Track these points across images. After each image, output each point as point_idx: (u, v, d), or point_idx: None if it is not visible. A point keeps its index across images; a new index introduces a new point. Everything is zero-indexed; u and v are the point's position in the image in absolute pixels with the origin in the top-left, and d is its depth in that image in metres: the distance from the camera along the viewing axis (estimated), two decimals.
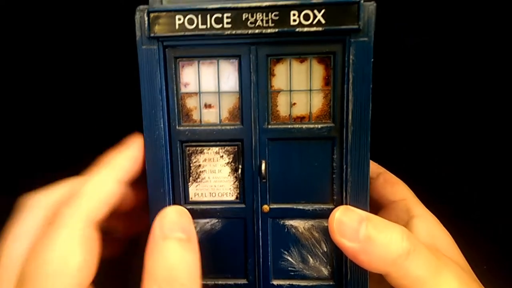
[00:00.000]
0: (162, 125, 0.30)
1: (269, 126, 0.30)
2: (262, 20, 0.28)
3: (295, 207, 0.31)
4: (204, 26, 0.28)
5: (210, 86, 0.30)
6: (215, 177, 0.31)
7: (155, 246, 0.26)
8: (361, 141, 0.29)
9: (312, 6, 0.27)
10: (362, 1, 0.27)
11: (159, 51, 0.29)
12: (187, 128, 0.30)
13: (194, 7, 0.28)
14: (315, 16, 0.28)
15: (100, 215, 0.28)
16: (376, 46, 0.28)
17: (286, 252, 0.31)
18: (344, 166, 0.29)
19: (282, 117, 0.30)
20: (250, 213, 0.31)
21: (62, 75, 0.44)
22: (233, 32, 0.28)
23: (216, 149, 0.31)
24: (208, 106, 0.31)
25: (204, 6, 0.28)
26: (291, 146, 0.30)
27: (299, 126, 0.30)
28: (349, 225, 0.27)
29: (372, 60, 0.28)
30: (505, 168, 0.42)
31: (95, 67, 0.43)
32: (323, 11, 0.27)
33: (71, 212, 0.27)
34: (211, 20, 0.28)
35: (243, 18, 0.28)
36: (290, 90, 0.30)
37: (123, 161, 0.30)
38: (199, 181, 0.31)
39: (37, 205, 0.29)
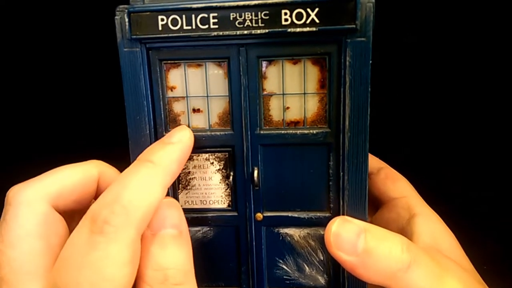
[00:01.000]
0: (148, 132, 0.28)
1: (261, 132, 0.28)
2: (251, 20, 0.26)
3: (290, 215, 0.29)
4: (189, 27, 0.26)
5: (198, 90, 0.28)
6: (205, 184, 0.30)
7: (144, 246, 0.24)
8: (359, 147, 0.27)
9: (305, 4, 0.25)
10: None
11: (142, 54, 0.27)
12: None
13: (177, 7, 0.26)
14: (308, 15, 0.25)
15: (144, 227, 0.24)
16: (375, 47, 0.26)
17: (281, 261, 0.30)
18: (341, 173, 0.28)
19: (275, 122, 0.28)
20: (243, 222, 0.30)
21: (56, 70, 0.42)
22: (221, 33, 0.26)
23: (206, 155, 0.29)
24: (196, 110, 0.29)
25: (189, 5, 0.26)
26: (285, 152, 0.29)
27: (293, 131, 0.28)
28: (347, 238, 0.25)
29: (371, 61, 0.26)
30: (508, 167, 0.40)
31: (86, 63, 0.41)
32: (317, 9, 0.25)
33: (121, 223, 0.22)
34: (196, 21, 0.26)
35: (231, 18, 0.26)
36: (283, 94, 0.28)
37: (170, 163, 0.26)
38: (189, 189, 0.30)
39: (34, 199, 0.25)
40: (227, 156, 0.29)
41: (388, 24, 0.28)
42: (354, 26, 0.25)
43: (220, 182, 0.30)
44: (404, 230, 0.32)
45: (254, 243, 0.30)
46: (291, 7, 0.25)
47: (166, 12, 0.26)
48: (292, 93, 0.28)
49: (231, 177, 0.29)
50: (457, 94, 0.41)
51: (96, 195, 0.28)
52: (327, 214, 0.29)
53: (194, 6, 0.26)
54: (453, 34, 0.39)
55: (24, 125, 0.44)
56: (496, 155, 0.40)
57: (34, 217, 0.25)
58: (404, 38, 0.38)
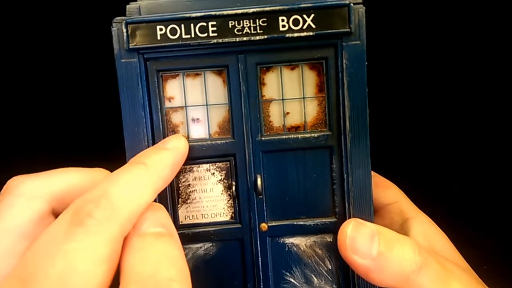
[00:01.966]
0: (146, 144, 0.27)
1: (263, 138, 0.28)
2: (249, 27, 0.26)
3: (295, 223, 0.29)
4: (188, 36, 0.27)
5: (196, 99, 0.28)
6: (206, 197, 0.29)
7: (130, 247, 0.21)
8: (361, 148, 0.27)
9: (301, 11, 0.26)
10: (351, 4, 0.26)
11: (140, 64, 0.27)
12: None
13: (176, 17, 0.26)
14: (304, 21, 0.26)
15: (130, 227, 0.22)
16: (369, 49, 0.27)
17: (288, 274, 0.29)
18: (345, 175, 0.28)
19: (276, 128, 0.28)
20: (247, 233, 0.29)
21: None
22: (220, 40, 0.27)
23: (206, 166, 0.29)
24: (195, 120, 0.28)
25: (187, 15, 0.26)
26: (287, 158, 0.28)
27: (294, 136, 0.28)
28: (361, 241, 0.25)
29: (366, 63, 0.27)
30: (503, 166, 0.42)
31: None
32: (312, 15, 0.26)
33: (104, 218, 0.20)
34: (195, 29, 0.27)
35: (230, 26, 0.27)
36: (283, 99, 0.28)
37: (163, 167, 0.25)
38: (189, 202, 0.29)
39: (35, 195, 0.23)
40: (228, 165, 0.29)
41: (382, 26, 0.30)
42: (348, 29, 0.26)
43: (221, 193, 0.29)
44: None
45: (260, 256, 0.29)
46: (288, 13, 0.26)
47: (165, 22, 0.26)
48: (291, 98, 0.28)
49: (233, 187, 0.29)
50: (453, 94, 0.42)
51: None
52: (333, 219, 0.29)
53: (193, 15, 0.26)
54: (446, 35, 0.41)
55: (24, 125, 0.42)
56: (495, 155, 0.42)
57: (30, 214, 0.22)
58: (400, 39, 0.40)
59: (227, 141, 0.28)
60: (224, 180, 0.29)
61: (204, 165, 0.29)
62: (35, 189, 0.23)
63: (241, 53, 0.27)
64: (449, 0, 0.40)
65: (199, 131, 0.29)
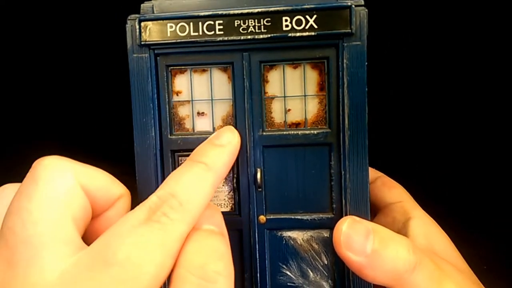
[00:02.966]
0: (153, 134, 0.29)
1: (264, 133, 0.29)
2: (254, 26, 0.28)
3: (292, 217, 0.30)
4: (196, 33, 0.28)
5: (202, 94, 0.30)
6: None
7: (187, 238, 0.23)
8: (359, 146, 0.28)
9: (304, 12, 0.27)
10: (353, 6, 0.27)
11: (151, 59, 0.29)
12: (180, 137, 0.30)
13: (185, 15, 0.28)
14: (307, 21, 0.27)
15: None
16: (370, 49, 0.28)
17: (284, 266, 0.30)
18: (343, 172, 0.28)
19: (277, 124, 0.29)
20: (247, 225, 0.30)
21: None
22: (226, 38, 0.28)
23: None
24: (201, 114, 0.30)
25: (196, 14, 0.28)
26: (287, 153, 0.29)
27: (295, 132, 0.29)
28: (356, 238, 0.26)
29: (366, 63, 0.28)
30: (503, 167, 0.41)
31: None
32: (315, 16, 0.27)
33: (177, 218, 0.23)
34: (203, 27, 0.28)
35: (235, 25, 0.28)
36: (284, 96, 0.29)
37: (221, 166, 0.26)
38: None
39: (70, 174, 0.24)
40: None
41: (383, 28, 0.31)
42: (349, 30, 0.27)
43: (223, 185, 0.30)
44: (400, 233, 0.32)
45: (257, 248, 0.30)
46: (291, 14, 0.28)
47: (175, 20, 0.28)
48: (293, 95, 0.29)
49: (234, 180, 0.30)
50: (455, 94, 0.42)
51: (98, 219, 0.27)
52: (330, 215, 0.29)
53: (202, 14, 0.28)
54: (446, 36, 0.41)
55: (27, 125, 0.44)
56: (496, 156, 0.41)
57: (67, 186, 0.24)
58: (400, 41, 0.40)
59: None
60: None
61: None
62: (68, 168, 0.24)
63: (246, 51, 0.29)
64: (449, 2, 0.40)
65: (204, 124, 0.30)
